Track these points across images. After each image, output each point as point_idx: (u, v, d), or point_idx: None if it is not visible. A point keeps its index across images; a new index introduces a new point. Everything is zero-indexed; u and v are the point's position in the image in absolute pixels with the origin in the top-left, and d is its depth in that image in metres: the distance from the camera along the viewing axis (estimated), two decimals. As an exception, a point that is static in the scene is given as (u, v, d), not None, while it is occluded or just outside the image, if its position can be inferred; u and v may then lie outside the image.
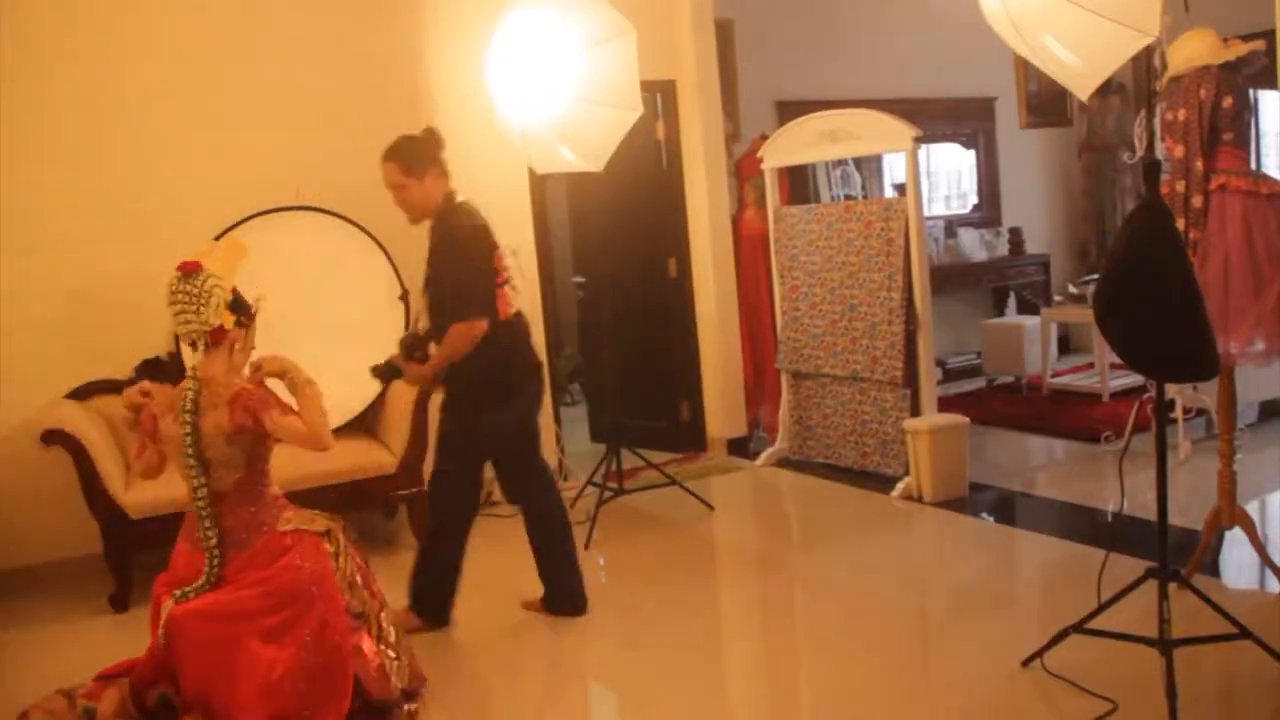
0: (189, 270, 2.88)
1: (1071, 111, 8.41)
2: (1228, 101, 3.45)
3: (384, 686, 3.00)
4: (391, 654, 3.03)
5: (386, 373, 3.78)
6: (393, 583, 4.18)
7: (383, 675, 3.01)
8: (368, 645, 2.99)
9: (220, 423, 2.86)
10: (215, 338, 2.91)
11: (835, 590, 3.86)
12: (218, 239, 4.54)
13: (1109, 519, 4.41)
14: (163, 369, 4.57)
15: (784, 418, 5.62)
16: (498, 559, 4.51)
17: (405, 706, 3.02)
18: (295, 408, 2.92)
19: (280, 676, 2.78)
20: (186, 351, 4.42)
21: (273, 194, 4.70)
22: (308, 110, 4.92)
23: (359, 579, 3.08)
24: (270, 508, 2.97)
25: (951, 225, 7.72)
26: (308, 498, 3.89)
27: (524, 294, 5.41)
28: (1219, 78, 3.45)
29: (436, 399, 4.59)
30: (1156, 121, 3.57)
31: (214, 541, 2.85)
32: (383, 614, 3.10)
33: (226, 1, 4.75)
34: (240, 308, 2.96)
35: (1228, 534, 3.67)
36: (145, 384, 3.11)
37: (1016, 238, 7.84)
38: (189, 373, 2.92)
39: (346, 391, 4.69)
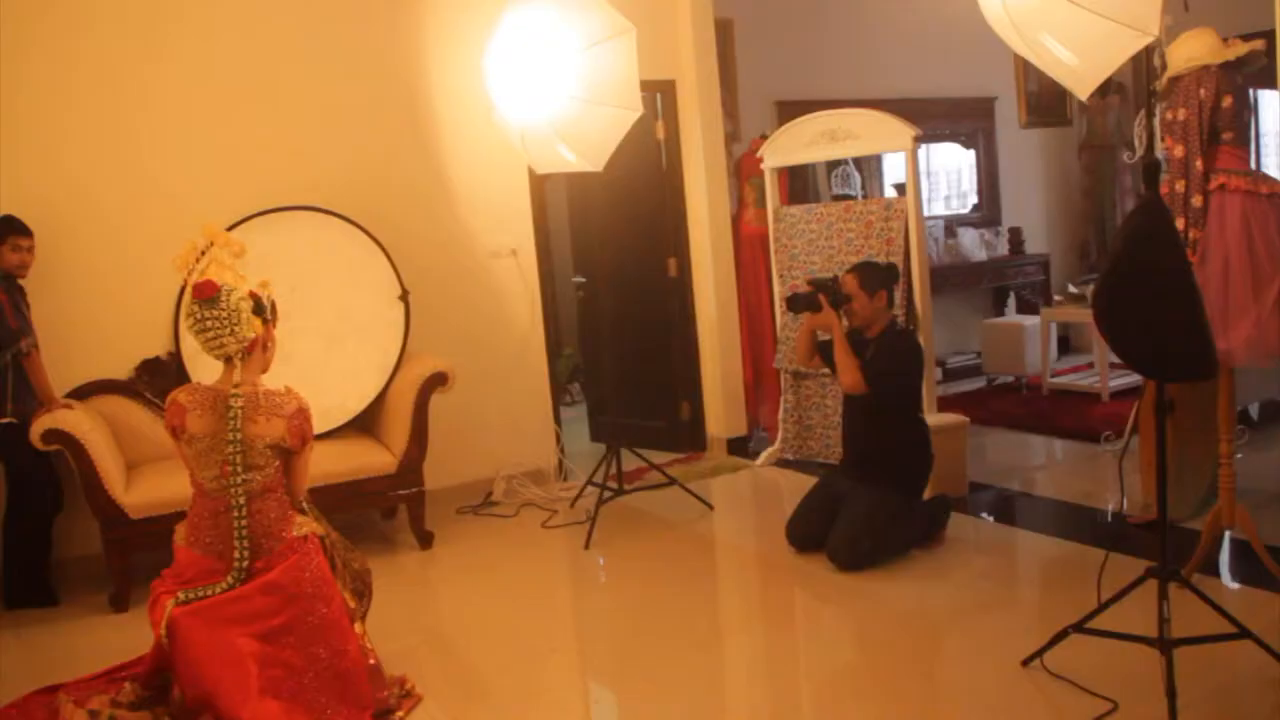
0: (210, 295, 2.86)
1: (1071, 111, 8.41)
2: (1227, 101, 3.45)
3: (381, 690, 3.00)
4: (372, 660, 3.04)
5: (804, 302, 4.23)
6: (394, 584, 4.19)
7: (379, 678, 3.02)
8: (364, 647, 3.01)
9: (269, 433, 2.91)
10: (251, 347, 2.95)
11: (834, 590, 3.86)
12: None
13: (1109, 519, 4.41)
14: (163, 369, 4.58)
15: (784, 418, 5.62)
16: (497, 558, 4.52)
17: (395, 713, 3.02)
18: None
19: (282, 677, 2.78)
20: (187, 351, 4.45)
21: (273, 194, 4.71)
22: (307, 110, 4.91)
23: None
24: (286, 514, 2.99)
25: (951, 225, 7.72)
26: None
27: (525, 294, 5.47)
28: (1219, 77, 3.45)
29: (438, 399, 4.62)
30: (1156, 121, 3.58)
31: (246, 547, 2.86)
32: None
33: (225, 2, 4.75)
34: (262, 308, 2.98)
35: (1228, 534, 3.67)
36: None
37: (1016, 237, 7.84)
38: (232, 389, 2.91)
39: (347, 391, 4.70)
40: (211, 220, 4.42)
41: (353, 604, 3.06)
